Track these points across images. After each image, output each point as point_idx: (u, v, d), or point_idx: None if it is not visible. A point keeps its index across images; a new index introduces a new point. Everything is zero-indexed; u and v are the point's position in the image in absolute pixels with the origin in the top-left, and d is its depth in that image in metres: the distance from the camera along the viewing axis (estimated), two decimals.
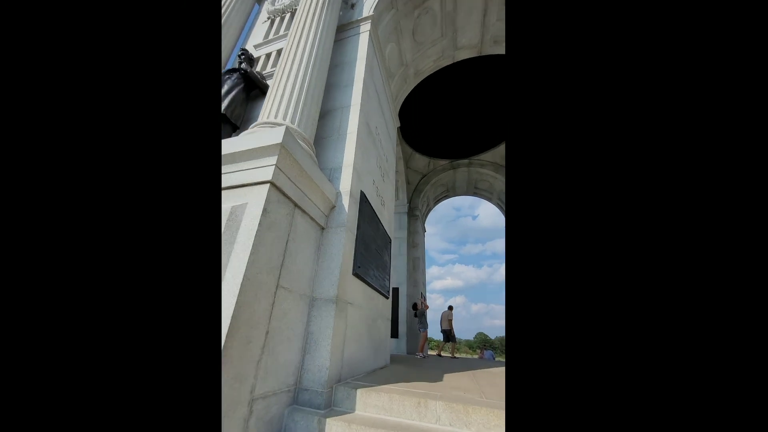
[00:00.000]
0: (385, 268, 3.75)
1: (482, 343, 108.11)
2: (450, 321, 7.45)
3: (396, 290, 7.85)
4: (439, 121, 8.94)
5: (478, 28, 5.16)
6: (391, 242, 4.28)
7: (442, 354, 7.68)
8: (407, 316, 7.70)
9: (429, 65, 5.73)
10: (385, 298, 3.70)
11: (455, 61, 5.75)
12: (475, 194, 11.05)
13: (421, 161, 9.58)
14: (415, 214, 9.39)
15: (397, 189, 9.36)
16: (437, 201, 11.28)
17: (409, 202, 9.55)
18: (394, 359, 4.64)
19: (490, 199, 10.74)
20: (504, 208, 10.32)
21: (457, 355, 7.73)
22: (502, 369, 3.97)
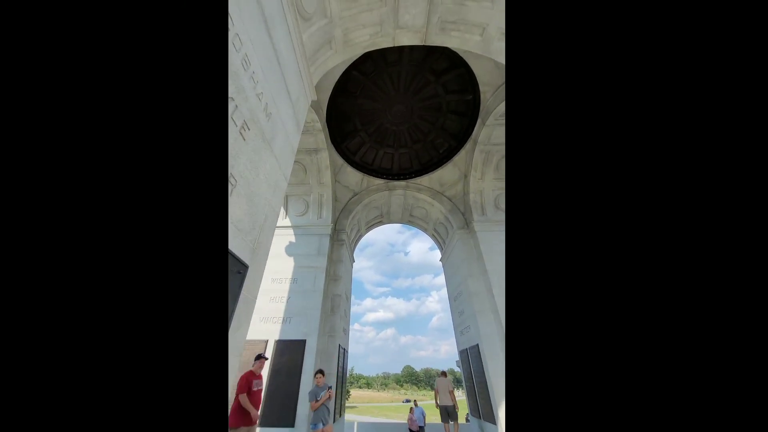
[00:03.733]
0: None
1: (408, 377, 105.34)
2: (452, 392, 5.64)
3: (300, 344, 5.24)
4: (377, 133, 7.49)
5: (424, 4, 3.90)
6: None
7: None
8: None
9: (363, 38, 4.18)
10: None
11: (396, 44, 4.36)
12: (410, 222, 9.68)
13: (352, 176, 7.77)
14: (341, 239, 7.24)
15: (320, 205, 7.16)
16: (369, 227, 9.45)
17: (335, 223, 7.41)
18: None
19: (425, 230, 9.49)
20: (438, 239, 9.13)
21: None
22: None
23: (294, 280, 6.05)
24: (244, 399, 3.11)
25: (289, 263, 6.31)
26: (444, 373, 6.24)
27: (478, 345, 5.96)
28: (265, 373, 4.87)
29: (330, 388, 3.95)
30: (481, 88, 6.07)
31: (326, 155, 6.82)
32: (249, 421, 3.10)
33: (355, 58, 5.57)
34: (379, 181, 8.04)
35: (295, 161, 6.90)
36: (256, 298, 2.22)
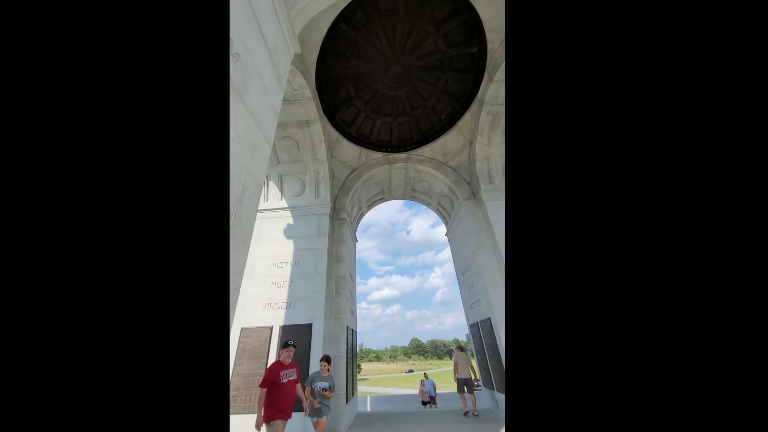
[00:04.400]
0: None
1: (416, 348, 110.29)
2: (472, 366, 5.60)
3: (306, 328, 4.99)
4: (373, 101, 6.78)
5: None
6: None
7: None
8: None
9: None
10: None
11: None
12: (412, 198, 9.18)
13: (349, 151, 7.17)
14: (341, 218, 6.81)
15: (317, 183, 6.65)
16: (371, 204, 8.98)
17: (334, 201, 6.94)
18: None
19: (429, 204, 9.02)
20: (443, 213, 8.69)
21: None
22: None
23: (295, 264, 5.71)
24: (260, 395, 2.85)
25: (289, 246, 5.94)
26: (461, 348, 6.13)
27: (489, 318, 5.73)
28: (272, 360, 4.65)
29: (331, 388, 3.38)
30: (489, 36, 5.30)
31: (319, 128, 6.18)
32: (284, 415, 2.83)
33: (343, 5, 4.78)
34: (378, 155, 7.45)
35: (286, 136, 6.29)
36: (239, 287, 1.81)
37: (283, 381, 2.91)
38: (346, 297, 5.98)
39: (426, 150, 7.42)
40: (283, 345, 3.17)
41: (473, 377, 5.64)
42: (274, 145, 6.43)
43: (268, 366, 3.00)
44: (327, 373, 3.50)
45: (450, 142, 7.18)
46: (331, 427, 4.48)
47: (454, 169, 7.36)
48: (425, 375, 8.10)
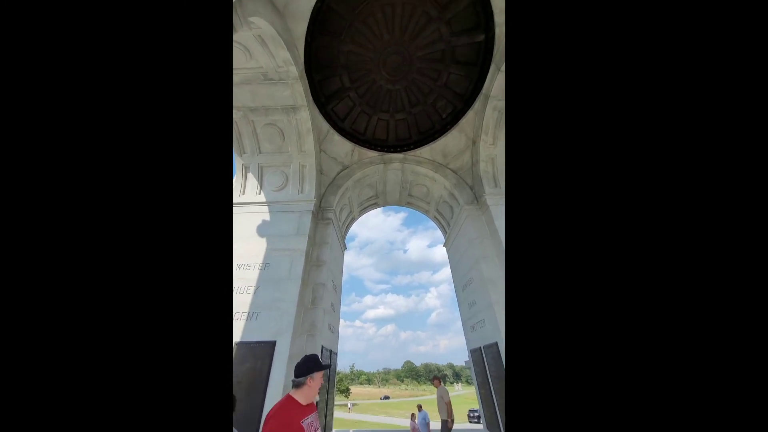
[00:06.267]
0: None
1: (408, 372, 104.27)
2: (448, 404, 4.52)
3: (268, 347, 3.88)
4: (369, 95, 6.14)
5: None
6: None
7: None
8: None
9: None
10: None
11: None
12: (409, 204, 8.34)
13: (341, 146, 6.42)
14: (326, 217, 5.90)
15: (302, 177, 5.81)
16: (363, 209, 8.10)
17: (320, 199, 6.06)
18: None
19: (426, 212, 8.16)
20: (441, 222, 7.81)
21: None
22: None
23: (265, 266, 4.70)
24: None
25: (261, 246, 4.96)
26: (438, 379, 5.11)
27: (496, 343, 4.65)
28: None
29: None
30: (497, 20, 4.73)
31: (307, 116, 5.46)
32: None
33: None
34: (372, 153, 6.70)
35: (270, 123, 5.54)
36: None
37: None
38: (325, 310, 4.91)
39: (425, 151, 6.69)
40: (312, 367, 1.31)
41: (447, 419, 4.51)
42: (255, 133, 5.67)
43: (272, 412, 1.20)
44: None
45: (451, 142, 6.47)
46: None
47: (455, 172, 6.59)
48: (419, 407, 6.75)
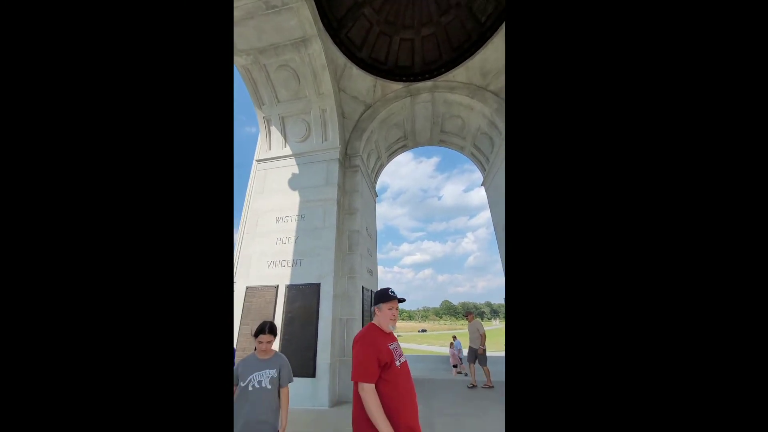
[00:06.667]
0: None
1: (447, 310, 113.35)
2: (483, 335, 4.74)
3: (314, 288, 4.19)
4: (388, 6, 5.04)
5: None
6: None
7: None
8: (338, 334, 4.11)
9: None
10: None
11: None
12: (441, 143, 7.55)
13: (361, 81, 5.69)
14: (354, 165, 5.63)
15: (324, 123, 5.44)
16: (392, 153, 7.59)
17: (345, 145, 5.72)
18: None
19: (462, 149, 7.33)
20: (478, 158, 6.98)
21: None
22: None
23: (301, 218, 4.82)
24: (371, 399, 1.09)
25: (295, 199, 5.03)
26: (471, 314, 5.20)
27: None
28: (279, 321, 3.98)
29: (281, 379, 1.65)
30: None
31: (320, 48, 4.77)
32: None
33: None
34: (397, 86, 5.86)
35: (282, 65, 5.02)
36: None
37: (398, 364, 1.23)
38: (362, 255, 5.04)
39: (459, 72, 5.61)
40: (376, 298, 1.37)
41: (480, 347, 4.68)
42: (270, 79, 5.24)
43: (359, 335, 1.27)
44: (271, 353, 1.72)
45: (491, 56, 5.26)
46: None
47: (496, 94, 5.52)
48: (453, 337, 7.24)
